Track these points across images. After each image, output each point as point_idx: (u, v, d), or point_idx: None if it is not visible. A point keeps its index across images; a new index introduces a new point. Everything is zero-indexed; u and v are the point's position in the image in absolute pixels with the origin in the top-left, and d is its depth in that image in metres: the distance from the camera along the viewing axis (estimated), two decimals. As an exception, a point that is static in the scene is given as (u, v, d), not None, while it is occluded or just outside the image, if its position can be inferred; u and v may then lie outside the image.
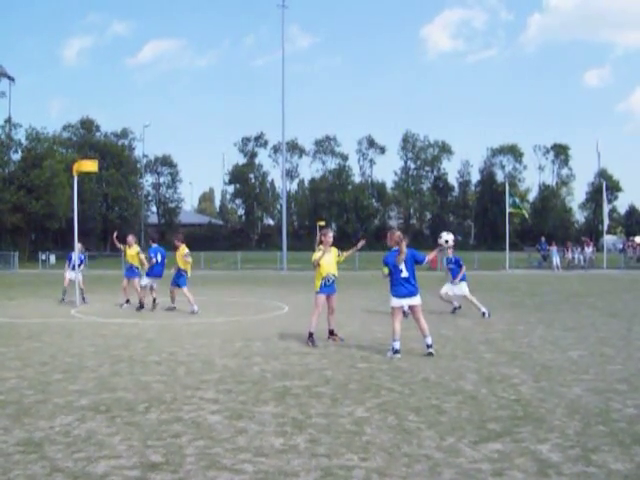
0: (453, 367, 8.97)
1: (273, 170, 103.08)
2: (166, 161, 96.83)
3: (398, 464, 5.11)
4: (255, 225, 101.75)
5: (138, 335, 12.10)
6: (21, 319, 14.70)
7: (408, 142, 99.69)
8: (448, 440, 5.69)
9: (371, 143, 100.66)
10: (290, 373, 8.61)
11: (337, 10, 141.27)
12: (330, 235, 11.41)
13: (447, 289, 15.78)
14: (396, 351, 9.74)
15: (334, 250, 11.50)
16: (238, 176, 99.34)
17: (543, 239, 44.95)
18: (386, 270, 10.14)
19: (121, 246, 17.88)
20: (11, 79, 56.44)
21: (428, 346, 9.86)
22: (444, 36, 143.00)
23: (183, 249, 16.20)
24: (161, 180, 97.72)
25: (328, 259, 11.19)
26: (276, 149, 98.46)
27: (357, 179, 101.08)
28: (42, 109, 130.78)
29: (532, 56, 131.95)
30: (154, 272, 16.42)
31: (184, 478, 4.82)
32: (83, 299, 18.12)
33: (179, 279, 16.13)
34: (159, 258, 16.45)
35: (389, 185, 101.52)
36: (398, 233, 10.28)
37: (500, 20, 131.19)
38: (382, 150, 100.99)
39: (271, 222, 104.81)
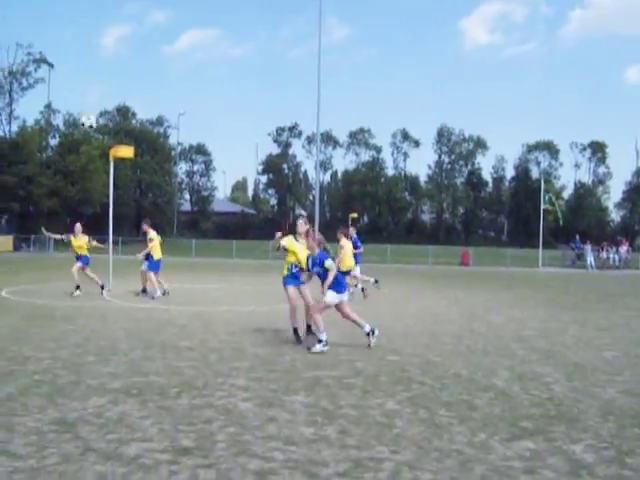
0: (485, 363, 8.89)
1: (307, 161, 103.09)
2: (200, 149, 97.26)
3: (429, 458, 5.08)
4: (287, 215, 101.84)
5: (170, 321, 12.19)
6: (56, 301, 14.92)
7: (443, 136, 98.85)
8: (479, 436, 5.64)
9: (405, 136, 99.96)
10: (321, 363, 8.60)
11: (375, 1, 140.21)
12: (300, 223, 10.68)
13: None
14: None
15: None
16: (271, 166, 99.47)
17: (577, 237, 44.37)
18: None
19: (58, 236, 18.13)
20: (50, 65, 57.21)
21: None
22: (482, 29, 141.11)
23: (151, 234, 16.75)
24: (195, 168, 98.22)
25: (299, 248, 10.54)
26: (310, 140, 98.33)
27: (390, 172, 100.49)
28: (80, 96, 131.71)
29: (571, 51, 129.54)
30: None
31: (215, 464, 4.84)
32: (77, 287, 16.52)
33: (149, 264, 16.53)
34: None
35: (422, 179, 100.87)
36: (319, 237, 10.18)
37: (540, 14, 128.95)
38: (416, 143, 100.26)
39: (303, 212, 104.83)
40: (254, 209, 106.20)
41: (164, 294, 16.55)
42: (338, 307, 10.01)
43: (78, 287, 16.34)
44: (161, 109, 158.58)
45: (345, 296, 10.02)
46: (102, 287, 16.66)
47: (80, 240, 17.02)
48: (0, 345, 9.35)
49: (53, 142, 57.84)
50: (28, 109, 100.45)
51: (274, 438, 5.46)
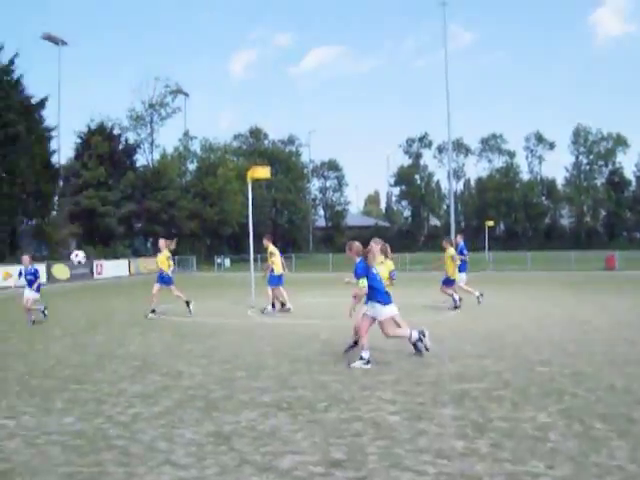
0: (642, 373, 8.43)
1: (438, 170, 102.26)
2: (332, 165, 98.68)
3: (587, 474, 4.86)
4: (422, 226, 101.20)
5: (313, 335, 12.36)
6: (202, 318, 15.53)
7: (579, 136, 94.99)
8: (642, 451, 5.35)
9: (539, 139, 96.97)
10: (467, 376, 8.45)
11: (496, 4, 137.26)
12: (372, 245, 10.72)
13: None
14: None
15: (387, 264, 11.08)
16: (403, 177, 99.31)
17: None
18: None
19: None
20: (186, 95, 59.90)
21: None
22: (616, 20, 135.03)
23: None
24: (327, 184, 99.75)
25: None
26: (441, 149, 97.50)
27: (525, 177, 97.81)
28: (213, 121, 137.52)
29: None
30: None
31: (367, 477, 4.86)
32: (32, 322, 15.18)
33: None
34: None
35: (559, 182, 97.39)
36: (357, 243, 9.77)
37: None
38: (551, 146, 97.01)
39: (437, 223, 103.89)
40: (388, 221, 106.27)
41: (281, 309, 16.78)
42: (381, 324, 9.47)
43: (154, 311, 16.30)
44: (291, 128, 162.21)
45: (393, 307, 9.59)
46: (187, 303, 16.67)
47: (160, 256, 16.90)
48: (155, 361, 9.85)
49: (191, 167, 60.54)
50: (167, 137, 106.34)
51: (425, 451, 5.42)
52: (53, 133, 44.08)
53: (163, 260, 16.65)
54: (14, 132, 37.54)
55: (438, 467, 5.04)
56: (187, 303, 16.54)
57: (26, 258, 15.70)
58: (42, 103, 42.51)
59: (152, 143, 55.18)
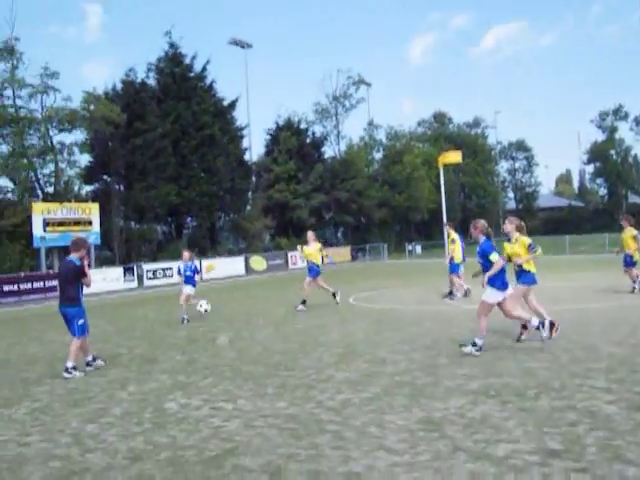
0: None
1: (636, 144, 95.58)
2: (520, 145, 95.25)
3: None
4: (619, 204, 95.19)
5: (516, 322, 12.03)
6: (399, 306, 15.67)
7: None
8: None
9: None
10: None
11: None
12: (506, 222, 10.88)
13: None
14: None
15: (522, 240, 10.41)
16: (597, 154, 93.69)
17: None
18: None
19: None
20: (368, 85, 60.38)
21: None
22: None
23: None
24: (516, 165, 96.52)
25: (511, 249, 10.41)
26: (638, 121, 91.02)
27: None
28: (395, 108, 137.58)
29: None
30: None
31: (588, 468, 4.68)
32: (186, 320, 14.88)
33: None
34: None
35: None
36: (483, 222, 9.65)
37: None
38: None
39: (638, 200, 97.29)
40: (581, 201, 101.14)
41: (465, 295, 16.60)
42: (500, 306, 9.41)
43: (304, 302, 16.13)
44: (476, 110, 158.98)
45: (507, 293, 9.32)
46: (334, 295, 16.63)
47: (310, 249, 16.61)
48: (357, 348, 10.09)
49: (378, 155, 61.13)
50: (353, 128, 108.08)
51: (649, 443, 5.13)
52: (244, 132, 46.28)
53: (314, 253, 16.46)
54: (210, 133, 39.93)
55: (666, 461, 4.75)
56: (334, 295, 16.69)
57: (186, 254, 15.67)
58: (233, 104, 44.77)
59: (338, 134, 56.32)
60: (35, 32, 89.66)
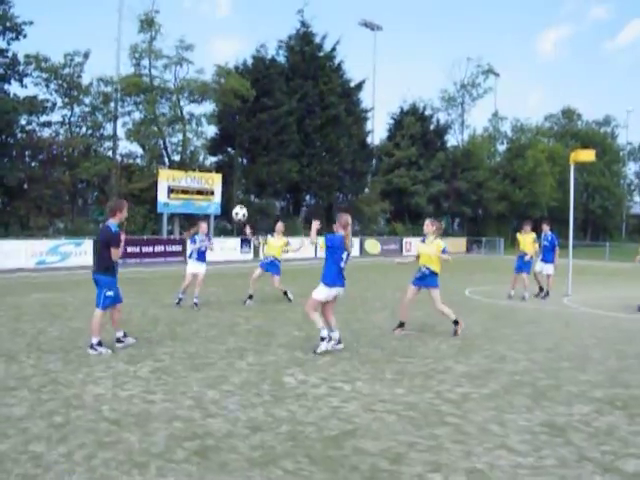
0: None
1: None
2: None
3: None
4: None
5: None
6: (517, 303, 15.33)
7: None
8: None
9: None
10: None
11: None
12: (426, 224, 10.79)
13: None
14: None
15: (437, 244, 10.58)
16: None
17: None
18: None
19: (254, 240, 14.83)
20: (497, 75, 58.95)
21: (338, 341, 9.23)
22: None
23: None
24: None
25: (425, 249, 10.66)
26: None
27: None
28: (522, 101, 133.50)
29: None
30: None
31: None
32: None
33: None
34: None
35: None
36: (347, 217, 9.25)
37: None
38: None
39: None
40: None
41: (537, 296, 16.43)
42: (325, 305, 9.25)
43: (250, 297, 14.22)
44: (607, 108, 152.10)
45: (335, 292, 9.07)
46: (285, 293, 14.81)
47: (276, 242, 14.47)
48: (475, 342, 9.96)
49: (501, 148, 59.76)
50: (478, 118, 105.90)
51: None
52: (368, 115, 46.26)
53: (278, 247, 14.42)
54: (335, 114, 40.17)
55: None
56: (285, 293, 14.81)
57: (204, 225, 13.93)
58: (359, 86, 44.80)
59: (462, 124, 55.40)
60: (170, 5, 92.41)
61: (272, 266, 14.38)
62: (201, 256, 13.60)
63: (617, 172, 77.45)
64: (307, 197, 43.50)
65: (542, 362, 8.57)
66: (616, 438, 5.55)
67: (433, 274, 10.44)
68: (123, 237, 8.84)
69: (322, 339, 8.91)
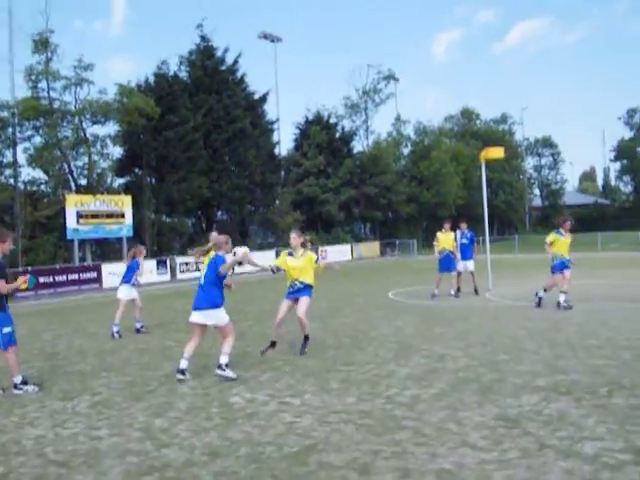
0: None
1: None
2: (546, 142, 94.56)
3: None
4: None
5: (565, 319, 11.96)
6: (443, 301, 15.61)
7: None
8: None
9: None
10: None
11: None
12: (293, 237, 9.95)
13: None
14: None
15: (308, 256, 9.91)
16: (624, 151, 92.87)
17: None
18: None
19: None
20: (396, 80, 60.05)
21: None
22: None
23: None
24: (542, 162, 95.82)
25: (295, 263, 9.78)
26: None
27: None
28: (422, 104, 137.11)
29: None
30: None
31: (684, 467, 4.62)
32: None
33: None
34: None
35: None
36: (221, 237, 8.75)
37: None
38: None
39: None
40: (606, 198, 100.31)
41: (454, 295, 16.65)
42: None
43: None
44: (502, 107, 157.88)
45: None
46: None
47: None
48: (411, 343, 10.05)
49: (406, 151, 60.88)
50: (381, 123, 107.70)
51: None
52: (274, 126, 46.26)
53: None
54: (241, 127, 39.89)
55: None
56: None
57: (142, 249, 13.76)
58: (264, 98, 44.69)
59: (367, 129, 56.15)
60: (61, 26, 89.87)
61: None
62: (129, 280, 13.15)
63: (517, 167, 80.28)
64: (219, 213, 43.04)
65: (480, 357, 8.74)
66: (569, 423, 5.70)
67: (308, 287, 9.81)
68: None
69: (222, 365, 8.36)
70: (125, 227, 32.28)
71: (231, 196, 39.40)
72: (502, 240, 49.71)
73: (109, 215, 31.49)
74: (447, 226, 17.09)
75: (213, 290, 8.40)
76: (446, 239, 16.72)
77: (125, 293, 12.99)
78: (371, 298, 16.86)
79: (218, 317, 8.40)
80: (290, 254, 9.94)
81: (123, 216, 32.16)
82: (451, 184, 54.53)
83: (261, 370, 8.69)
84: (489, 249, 18.79)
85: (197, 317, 8.50)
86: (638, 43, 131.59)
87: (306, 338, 9.89)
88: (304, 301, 9.71)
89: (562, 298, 13.17)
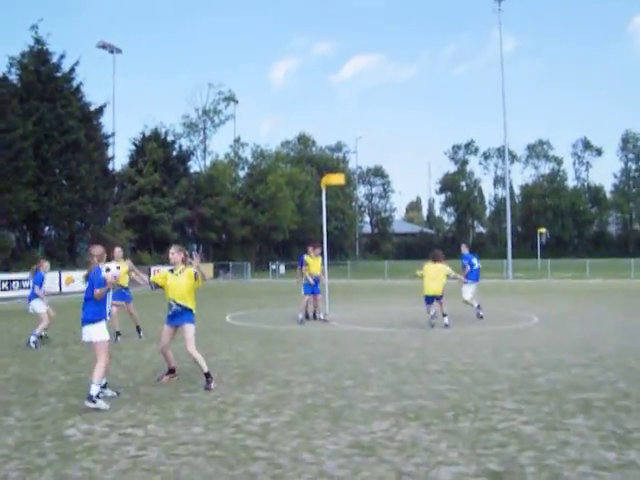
0: None
1: (484, 177, 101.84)
2: (378, 172, 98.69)
3: None
4: (467, 233, 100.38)
5: (403, 344, 12.25)
6: (281, 326, 15.52)
7: (628, 142, 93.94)
8: None
9: (587, 145, 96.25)
10: (583, 385, 8.26)
11: (538, 10, 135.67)
12: (172, 252, 9.16)
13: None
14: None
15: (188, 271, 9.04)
16: (449, 184, 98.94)
17: None
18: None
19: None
20: (236, 102, 60.22)
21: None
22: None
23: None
24: (373, 191, 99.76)
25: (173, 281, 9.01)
26: (487, 156, 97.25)
27: (572, 183, 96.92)
28: (260, 127, 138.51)
29: None
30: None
31: (533, 490, 4.73)
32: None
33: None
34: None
35: (608, 189, 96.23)
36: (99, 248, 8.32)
37: None
38: (599, 152, 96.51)
39: (482, 230, 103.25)
40: (430, 228, 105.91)
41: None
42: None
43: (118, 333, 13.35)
44: (338, 135, 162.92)
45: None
46: (138, 328, 14.11)
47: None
48: (255, 369, 9.81)
49: (242, 173, 61.06)
50: (220, 144, 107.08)
51: (580, 462, 5.27)
52: (110, 140, 44.66)
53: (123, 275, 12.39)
54: (75, 139, 38.01)
55: (602, 479, 4.89)
56: (137, 328, 14.14)
57: (46, 263, 13.55)
58: (100, 110, 42.98)
59: (205, 150, 55.86)
60: None
61: (122, 296, 13.42)
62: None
63: (350, 195, 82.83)
64: (46, 228, 40.73)
65: (327, 383, 8.67)
66: (422, 448, 5.72)
67: (187, 311, 8.89)
68: None
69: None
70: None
71: (60, 211, 37.44)
72: (334, 265, 50.76)
73: None
74: (317, 250, 16.85)
75: (89, 305, 7.90)
76: (314, 263, 16.55)
77: (41, 305, 13.02)
78: (208, 322, 16.47)
79: (92, 333, 7.85)
80: (172, 271, 9.14)
81: None
82: (286, 208, 55.25)
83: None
84: (327, 274, 18.92)
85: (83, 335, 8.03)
86: (461, 85, 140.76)
87: (207, 375, 8.63)
88: (188, 332, 8.78)
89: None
